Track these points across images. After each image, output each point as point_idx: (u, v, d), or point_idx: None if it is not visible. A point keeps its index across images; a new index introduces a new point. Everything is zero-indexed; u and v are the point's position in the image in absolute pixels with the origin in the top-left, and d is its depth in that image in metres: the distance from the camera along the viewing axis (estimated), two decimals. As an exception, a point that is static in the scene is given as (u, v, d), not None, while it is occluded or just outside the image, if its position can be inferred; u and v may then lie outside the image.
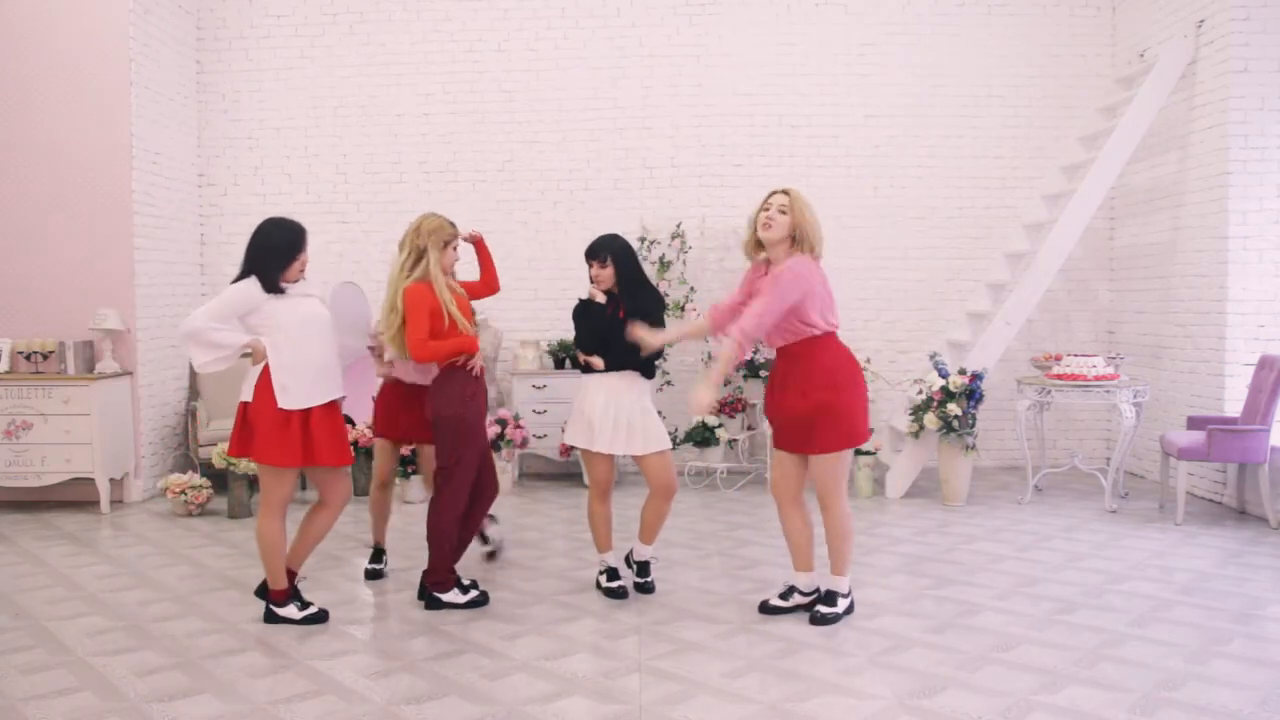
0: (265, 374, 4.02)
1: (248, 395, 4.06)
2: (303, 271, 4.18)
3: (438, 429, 4.36)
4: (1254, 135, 6.37)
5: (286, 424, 4.01)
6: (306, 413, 4.06)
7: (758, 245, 4.18)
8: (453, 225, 4.46)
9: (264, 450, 4.01)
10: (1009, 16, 7.74)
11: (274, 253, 4.08)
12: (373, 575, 4.96)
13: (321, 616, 4.24)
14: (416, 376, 4.71)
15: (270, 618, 4.22)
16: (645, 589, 4.64)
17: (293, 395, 4.02)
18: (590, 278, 4.54)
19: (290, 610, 4.21)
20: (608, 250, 4.47)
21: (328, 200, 7.82)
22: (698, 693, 3.49)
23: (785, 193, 4.11)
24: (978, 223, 7.80)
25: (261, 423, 4.01)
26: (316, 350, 4.11)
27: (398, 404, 4.81)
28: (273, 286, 4.09)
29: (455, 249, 4.47)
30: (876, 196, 7.79)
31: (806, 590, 4.33)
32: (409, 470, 6.72)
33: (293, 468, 4.08)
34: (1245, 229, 6.38)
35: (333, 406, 4.18)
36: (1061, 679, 3.58)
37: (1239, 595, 4.57)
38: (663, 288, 7.24)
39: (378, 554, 5.01)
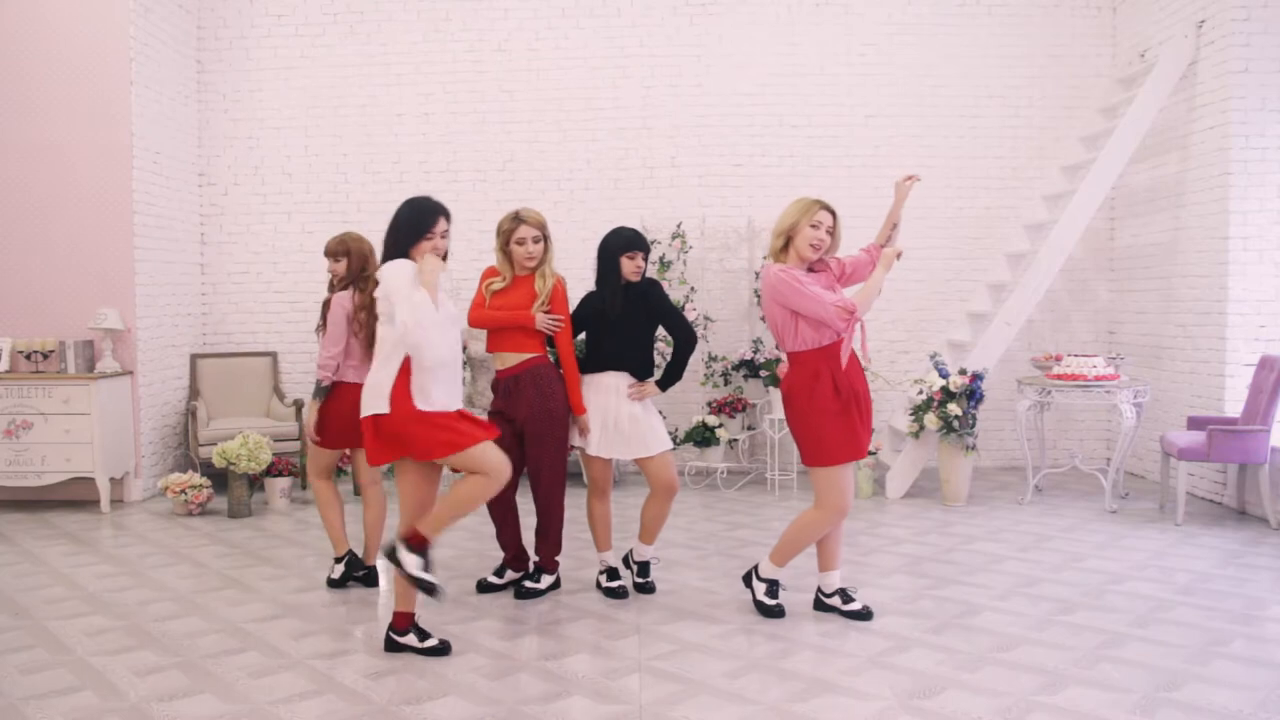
0: (404, 377, 3.61)
1: (382, 407, 3.60)
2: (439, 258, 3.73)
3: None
4: (1255, 136, 6.37)
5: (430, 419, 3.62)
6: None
7: (784, 251, 4.10)
8: (512, 219, 4.38)
9: (428, 446, 3.61)
10: (1009, 16, 7.75)
11: (398, 231, 3.71)
12: (337, 584, 4.77)
13: (444, 649, 3.85)
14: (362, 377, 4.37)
15: (391, 646, 3.89)
16: (645, 589, 4.64)
17: (431, 400, 3.63)
18: (629, 270, 4.46)
19: (410, 639, 3.85)
20: (646, 245, 4.56)
21: (328, 200, 7.82)
22: (698, 693, 3.49)
23: (832, 212, 4.08)
24: (978, 223, 7.81)
25: (412, 426, 3.60)
26: (450, 353, 3.72)
27: (349, 409, 4.41)
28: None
29: (522, 243, 4.35)
30: (877, 196, 7.76)
31: (828, 590, 4.35)
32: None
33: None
34: (1246, 229, 6.38)
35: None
36: (1061, 679, 3.58)
37: (1239, 596, 4.57)
38: (663, 287, 7.21)
39: (342, 560, 4.78)
